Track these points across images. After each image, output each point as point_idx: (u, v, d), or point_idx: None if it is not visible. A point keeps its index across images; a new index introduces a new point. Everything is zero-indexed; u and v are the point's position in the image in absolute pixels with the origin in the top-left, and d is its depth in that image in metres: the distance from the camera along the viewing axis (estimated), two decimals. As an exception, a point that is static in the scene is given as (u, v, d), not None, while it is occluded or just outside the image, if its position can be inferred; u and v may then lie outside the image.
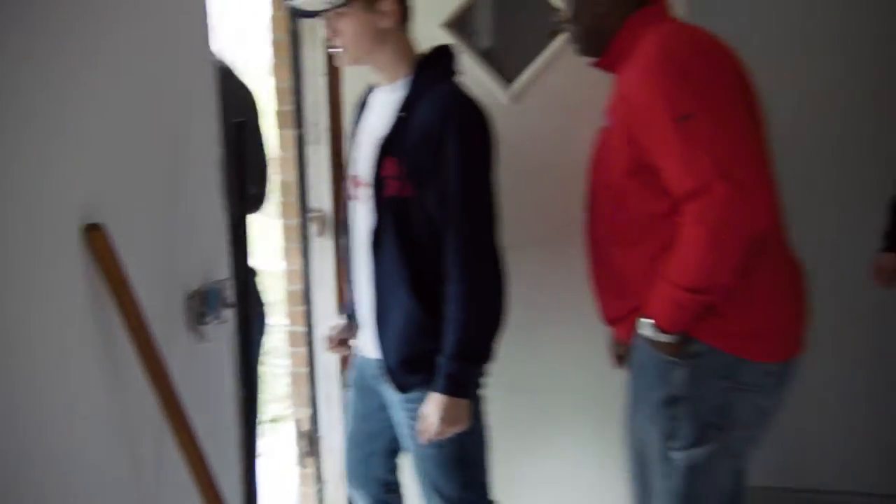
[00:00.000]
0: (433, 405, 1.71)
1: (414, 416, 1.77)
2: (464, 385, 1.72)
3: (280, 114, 2.37)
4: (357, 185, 1.82)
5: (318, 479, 2.58)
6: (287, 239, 2.44)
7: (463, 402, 1.72)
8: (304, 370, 2.52)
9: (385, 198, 1.72)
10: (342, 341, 2.01)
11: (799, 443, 2.78)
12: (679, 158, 1.52)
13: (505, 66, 2.40)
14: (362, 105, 1.90)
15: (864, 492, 2.71)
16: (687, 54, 1.58)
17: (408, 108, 1.72)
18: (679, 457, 1.64)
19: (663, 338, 1.59)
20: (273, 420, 3.68)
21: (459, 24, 2.31)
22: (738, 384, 1.62)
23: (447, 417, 1.70)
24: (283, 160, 2.40)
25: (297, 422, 2.57)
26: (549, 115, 2.20)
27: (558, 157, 2.15)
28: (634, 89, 1.59)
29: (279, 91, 2.36)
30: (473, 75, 2.23)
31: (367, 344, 1.85)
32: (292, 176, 2.38)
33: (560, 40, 2.16)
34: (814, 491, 2.78)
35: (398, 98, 1.75)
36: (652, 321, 1.60)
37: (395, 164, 1.70)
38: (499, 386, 1.95)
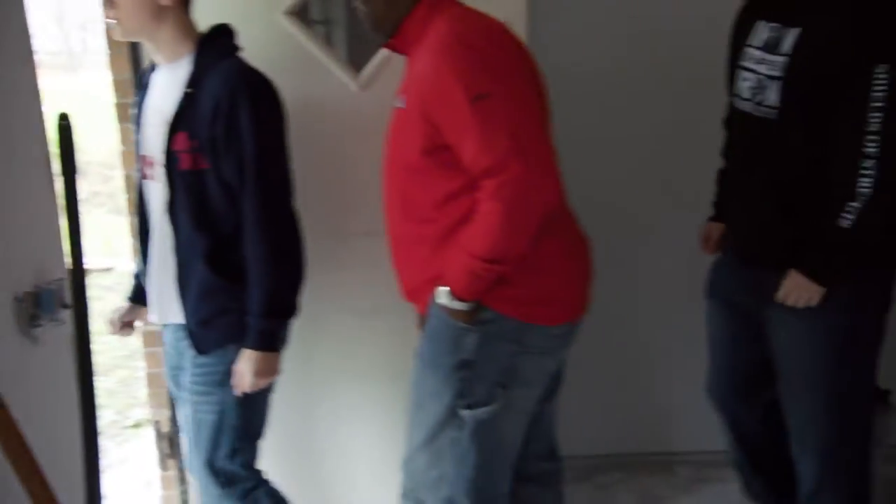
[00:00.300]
0: (246, 361, 1.83)
1: (199, 381, 1.89)
2: (273, 339, 1.85)
3: (119, 107, 2.28)
4: (148, 164, 1.87)
5: (182, 480, 2.51)
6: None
7: (273, 356, 1.87)
8: (161, 370, 2.44)
9: (179, 172, 1.79)
10: (127, 324, 2.08)
11: (655, 410, 2.94)
12: (476, 137, 1.58)
13: (355, 53, 2.40)
14: (144, 86, 1.92)
15: (716, 450, 2.88)
16: (479, 37, 1.65)
17: (194, 84, 1.78)
18: (468, 414, 1.76)
19: (458, 305, 1.69)
20: (135, 425, 3.55)
21: (304, 12, 2.28)
22: (524, 347, 1.74)
23: (259, 370, 1.84)
24: (125, 155, 2.30)
25: (157, 424, 2.50)
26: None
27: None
28: (430, 72, 1.64)
29: (117, 83, 2.26)
30: (321, 63, 2.23)
31: (169, 313, 1.91)
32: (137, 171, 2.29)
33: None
34: (671, 453, 2.94)
35: (182, 75, 1.80)
36: (448, 289, 1.69)
37: (187, 138, 1.77)
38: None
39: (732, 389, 2.29)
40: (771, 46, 1.92)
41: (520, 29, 2.18)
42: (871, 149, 1.80)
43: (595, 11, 2.64)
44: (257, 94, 1.78)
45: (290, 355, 2.02)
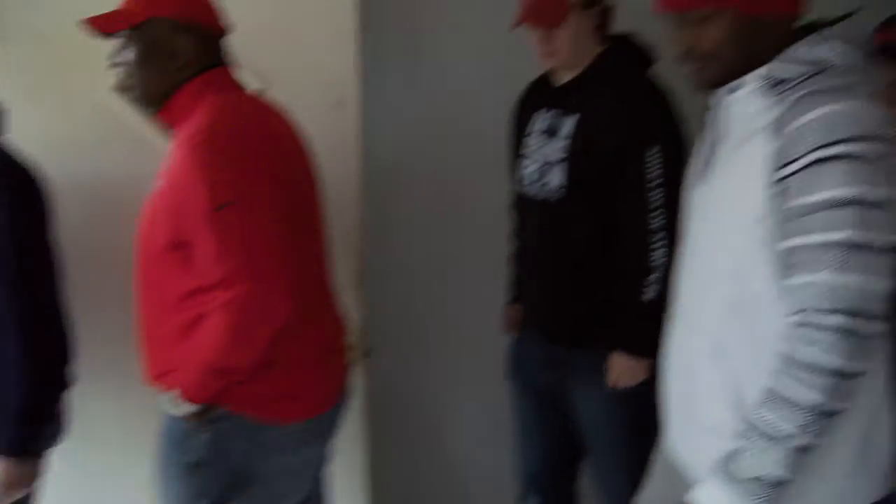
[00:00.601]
0: None
1: None
2: (29, 444, 1.73)
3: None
4: None
5: None
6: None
7: (28, 463, 1.74)
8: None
9: None
10: None
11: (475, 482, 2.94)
12: (212, 247, 1.56)
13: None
14: None
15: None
16: (232, 137, 1.62)
17: None
18: None
19: (186, 409, 1.67)
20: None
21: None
22: (260, 445, 1.74)
23: (11, 481, 1.71)
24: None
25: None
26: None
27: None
28: (182, 168, 1.61)
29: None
30: (150, 141, 2.15)
31: None
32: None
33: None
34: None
35: None
36: (177, 391, 1.67)
37: None
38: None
39: (548, 467, 2.36)
40: (551, 132, 2.08)
41: (353, 108, 2.21)
42: (657, 223, 1.97)
43: (424, 92, 2.71)
44: (13, 182, 1.71)
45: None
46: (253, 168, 1.61)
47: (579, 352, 2.10)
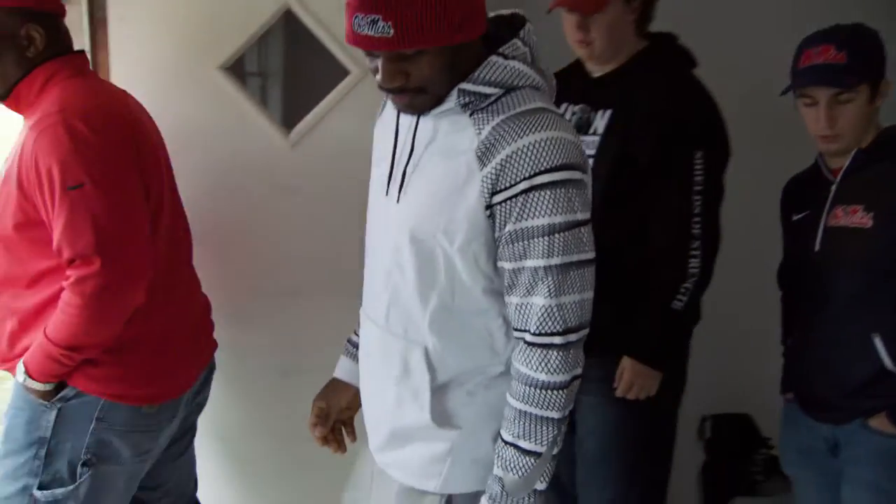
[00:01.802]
0: None
1: None
2: None
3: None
4: None
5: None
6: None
7: None
8: None
9: None
10: None
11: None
12: (62, 226, 1.58)
13: (289, 107, 2.36)
14: None
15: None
16: (86, 121, 1.62)
17: None
18: (41, 495, 1.68)
19: (35, 385, 1.66)
20: None
21: (239, 64, 2.26)
22: (111, 425, 1.70)
23: None
24: None
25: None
26: (331, 159, 2.19)
27: (340, 201, 2.15)
28: (33, 148, 1.61)
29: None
30: (252, 120, 2.19)
31: None
32: None
33: (345, 84, 2.17)
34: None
35: None
36: (27, 368, 1.66)
37: None
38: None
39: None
40: (581, 128, 1.95)
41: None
42: (696, 230, 1.87)
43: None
44: None
45: (210, 415, 1.97)
46: (107, 150, 1.63)
47: (596, 361, 1.75)
